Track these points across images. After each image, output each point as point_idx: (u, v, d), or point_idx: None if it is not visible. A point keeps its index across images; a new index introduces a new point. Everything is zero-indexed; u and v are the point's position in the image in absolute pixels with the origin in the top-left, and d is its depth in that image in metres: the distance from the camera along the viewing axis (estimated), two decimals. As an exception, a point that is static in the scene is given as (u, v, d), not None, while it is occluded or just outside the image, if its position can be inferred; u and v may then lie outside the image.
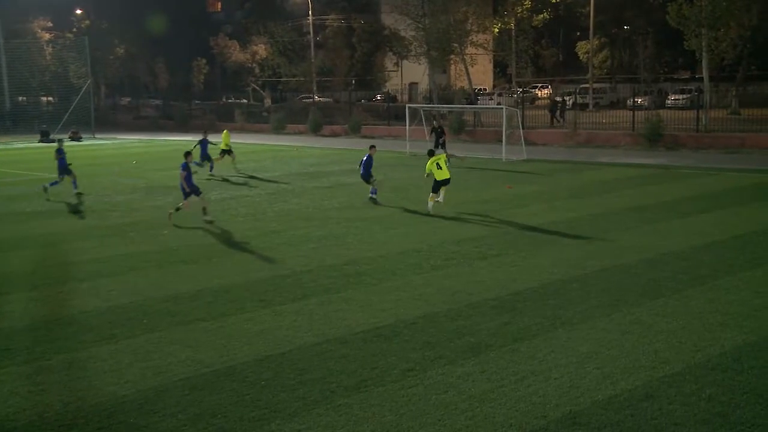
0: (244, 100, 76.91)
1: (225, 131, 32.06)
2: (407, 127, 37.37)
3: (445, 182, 19.83)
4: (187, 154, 19.42)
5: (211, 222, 18.52)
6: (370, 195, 21.40)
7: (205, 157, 28.89)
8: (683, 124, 38.63)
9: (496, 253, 14.62)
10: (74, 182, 24.02)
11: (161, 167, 32.71)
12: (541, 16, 63.20)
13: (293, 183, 26.11)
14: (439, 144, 31.06)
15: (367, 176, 21.33)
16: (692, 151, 34.32)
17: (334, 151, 39.53)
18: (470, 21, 53.69)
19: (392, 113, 52.76)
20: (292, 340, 9.86)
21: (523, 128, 36.02)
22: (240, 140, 50.26)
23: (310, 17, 73.43)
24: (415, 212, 19.50)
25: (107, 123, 67.50)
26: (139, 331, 10.38)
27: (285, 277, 13.11)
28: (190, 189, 19.06)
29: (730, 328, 9.90)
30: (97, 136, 56.57)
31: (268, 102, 72.73)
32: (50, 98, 71.02)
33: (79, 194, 23.76)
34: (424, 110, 38.19)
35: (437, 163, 19.66)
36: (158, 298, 11.97)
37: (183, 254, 15.15)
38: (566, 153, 35.17)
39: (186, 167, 18.98)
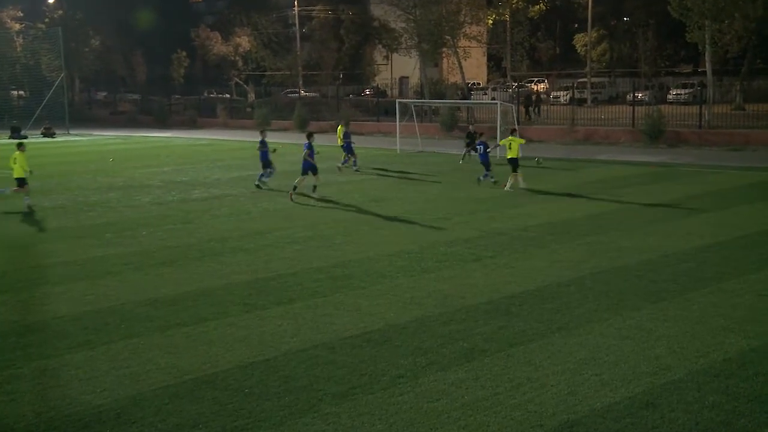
0: (227, 95, 76.74)
1: (340, 126, 32.50)
2: (397, 123, 37.40)
3: (511, 161, 22.79)
4: (310, 135, 22.79)
5: (317, 199, 21.53)
6: (484, 177, 23.91)
7: (349, 150, 29.55)
8: (685, 120, 38.81)
9: (490, 254, 14.66)
10: (270, 174, 25.01)
11: (140, 165, 32.64)
12: (537, 7, 63.48)
13: (278, 181, 26.06)
14: (472, 148, 30.82)
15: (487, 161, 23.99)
16: (695, 148, 34.49)
17: (321, 148, 39.29)
18: (463, 12, 53.75)
19: (381, 109, 52.80)
20: (277, 346, 9.85)
21: (518, 124, 36.09)
22: (223, 137, 50.26)
23: (296, 8, 73.36)
24: (405, 213, 19.51)
25: (82, 118, 67.19)
26: (117, 337, 10.34)
27: (269, 280, 13.10)
28: (309, 167, 22.17)
29: (734, 333, 9.95)
30: (71, 132, 56.30)
31: (251, 97, 72.62)
32: (21, 92, 70.66)
33: (263, 185, 24.59)
34: (415, 106, 38.23)
35: (511, 143, 22.83)
36: (136, 303, 11.93)
37: (162, 256, 15.11)
38: (563, 150, 35.28)
39: (309, 146, 22.08)
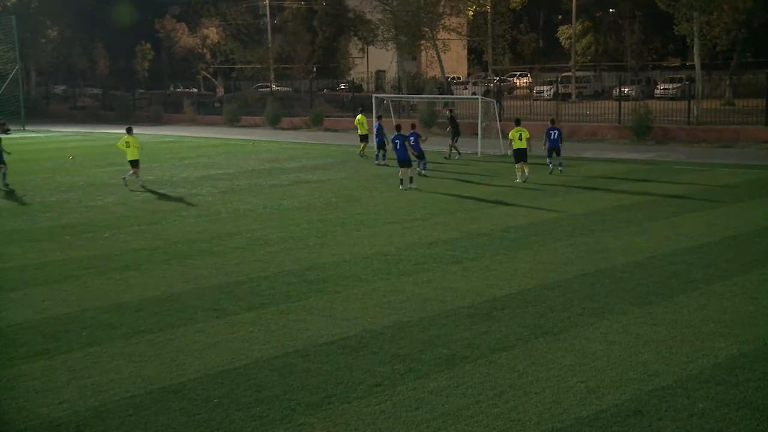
0: (194, 90, 76.39)
1: (359, 115, 33.17)
2: (374, 119, 37.34)
3: (520, 153, 23.98)
4: (413, 125, 25.37)
5: (417, 189, 22.87)
6: (558, 167, 25.91)
7: (381, 144, 30.24)
8: (673, 115, 39.17)
9: (471, 256, 14.70)
10: (424, 164, 26.05)
11: (102, 163, 32.38)
12: (520, -3, 63.61)
13: (249, 180, 26.00)
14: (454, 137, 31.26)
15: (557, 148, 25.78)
16: (683, 145, 34.81)
17: (293, 146, 39.45)
18: (442, 3, 53.86)
19: (357, 104, 52.77)
20: (248, 354, 9.83)
21: (500, 120, 36.22)
22: (190, 133, 50.04)
23: (267, -3, 73.14)
24: (382, 213, 19.53)
25: (39, 114, 66.62)
26: (77, 346, 10.26)
27: (240, 284, 13.06)
28: (418, 153, 24.35)
29: (723, 337, 10.05)
30: (27, 128, 55.87)
31: (220, 91, 72.33)
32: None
33: (421, 173, 25.64)
34: (392, 101, 38.22)
35: (520, 134, 24.04)
36: (98, 309, 11.85)
37: (126, 259, 15.01)
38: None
39: (415, 136, 24.12)
